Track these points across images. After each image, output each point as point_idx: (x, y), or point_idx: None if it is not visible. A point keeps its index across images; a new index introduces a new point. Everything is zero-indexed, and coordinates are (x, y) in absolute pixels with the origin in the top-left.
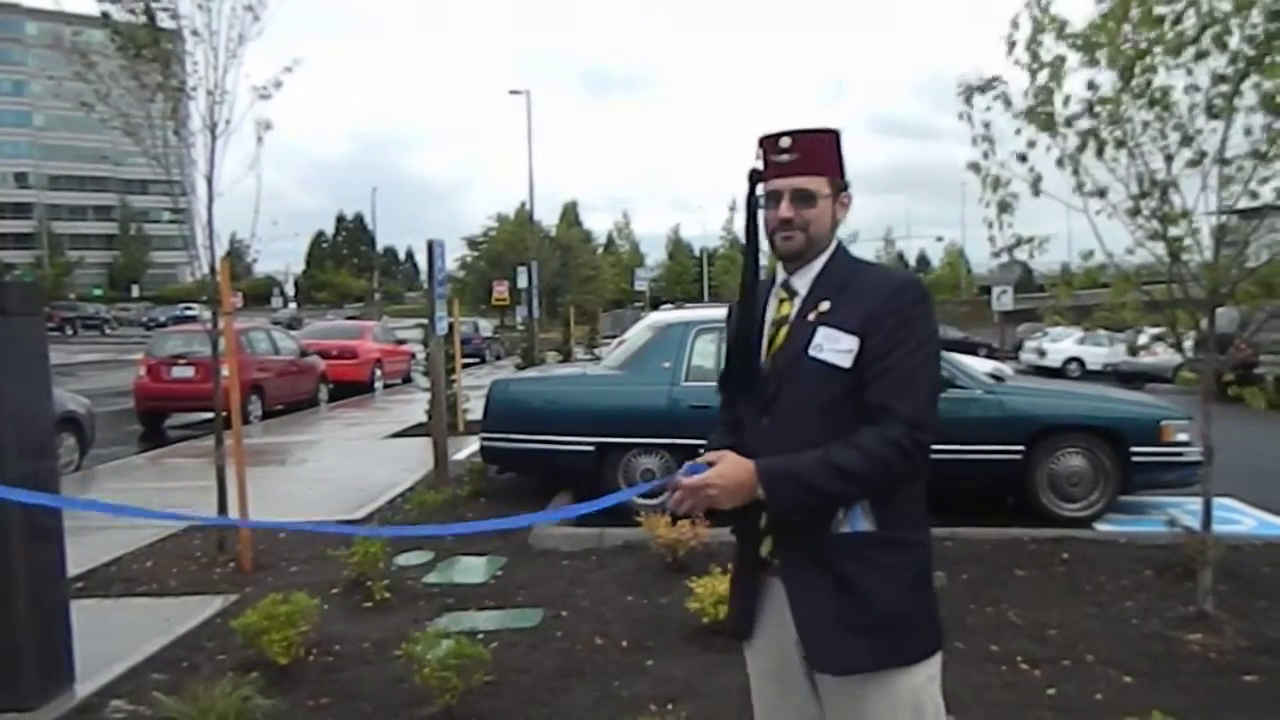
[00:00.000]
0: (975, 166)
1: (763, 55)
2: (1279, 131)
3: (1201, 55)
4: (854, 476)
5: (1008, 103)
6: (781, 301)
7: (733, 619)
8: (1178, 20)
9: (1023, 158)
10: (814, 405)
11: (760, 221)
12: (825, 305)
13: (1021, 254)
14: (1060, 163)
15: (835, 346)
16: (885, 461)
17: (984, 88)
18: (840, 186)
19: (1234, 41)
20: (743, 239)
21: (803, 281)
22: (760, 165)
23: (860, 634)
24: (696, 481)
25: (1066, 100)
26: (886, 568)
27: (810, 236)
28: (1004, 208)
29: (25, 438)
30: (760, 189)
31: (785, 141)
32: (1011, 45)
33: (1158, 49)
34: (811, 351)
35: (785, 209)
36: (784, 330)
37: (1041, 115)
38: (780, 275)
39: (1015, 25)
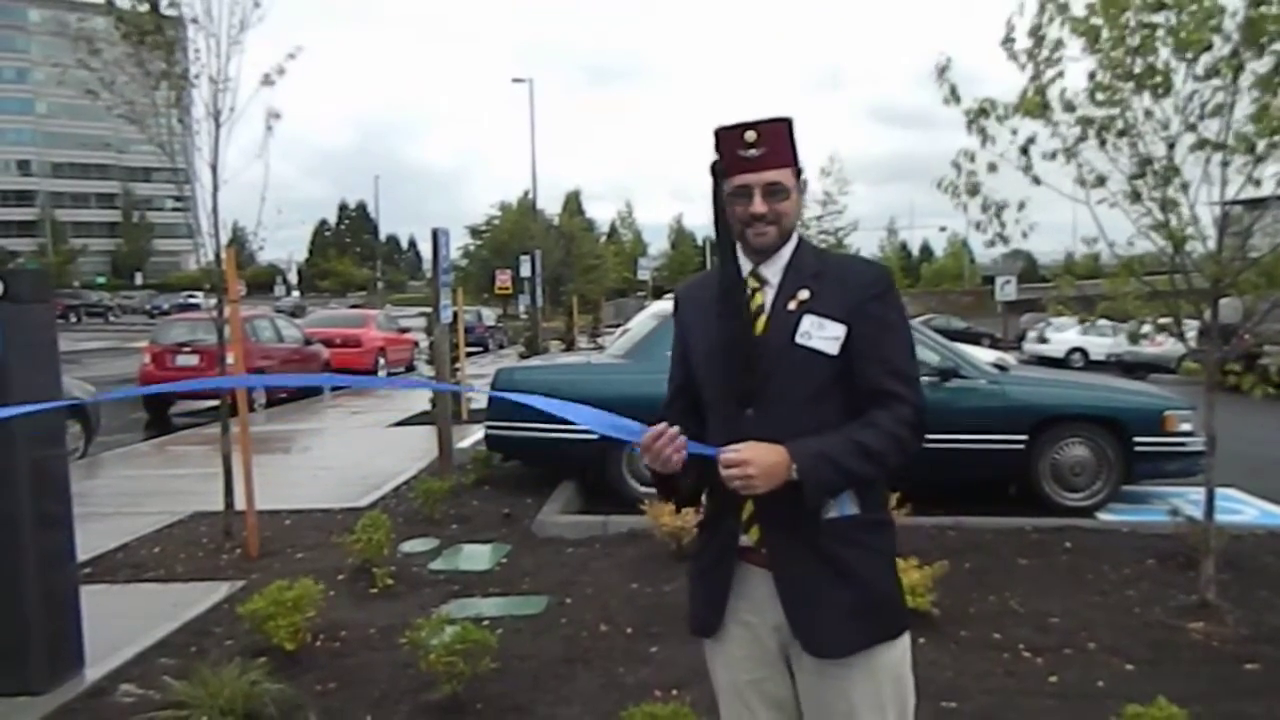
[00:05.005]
0: (970, 156)
1: (763, 44)
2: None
3: (1206, 48)
4: (877, 456)
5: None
6: (754, 291)
7: (699, 615)
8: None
9: (1024, 150)
10: (802, 394)
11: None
12: (804, 294)
13: (1012, 234)
14: (1065, 153)
15: (823, 334)
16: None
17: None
18: (799, 173)
19: (1229, 25)
20: (714, 234)
21: (772, 270)
22: (721, 159)
23: (855, 616)
24: (736, 458)
25: (1063, 92)
26: (874, 548)
27: (782, 229)
28: (973, 191)
29: (35, 424)
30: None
31: (750, 135)
32: (1011, 39)
33: (1160, 32)
34: (799, 339)
35: (759, 204)
36: (762, 320)
37: (1038, 105)
38: (745, 265)
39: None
